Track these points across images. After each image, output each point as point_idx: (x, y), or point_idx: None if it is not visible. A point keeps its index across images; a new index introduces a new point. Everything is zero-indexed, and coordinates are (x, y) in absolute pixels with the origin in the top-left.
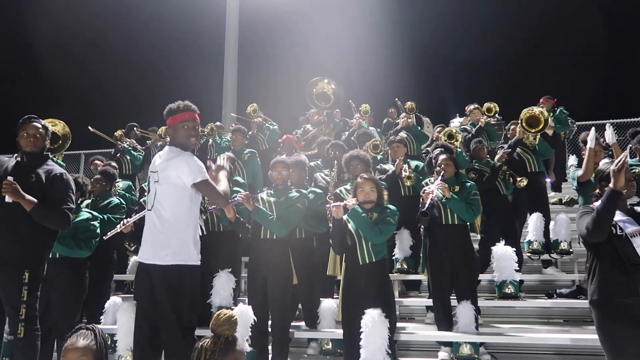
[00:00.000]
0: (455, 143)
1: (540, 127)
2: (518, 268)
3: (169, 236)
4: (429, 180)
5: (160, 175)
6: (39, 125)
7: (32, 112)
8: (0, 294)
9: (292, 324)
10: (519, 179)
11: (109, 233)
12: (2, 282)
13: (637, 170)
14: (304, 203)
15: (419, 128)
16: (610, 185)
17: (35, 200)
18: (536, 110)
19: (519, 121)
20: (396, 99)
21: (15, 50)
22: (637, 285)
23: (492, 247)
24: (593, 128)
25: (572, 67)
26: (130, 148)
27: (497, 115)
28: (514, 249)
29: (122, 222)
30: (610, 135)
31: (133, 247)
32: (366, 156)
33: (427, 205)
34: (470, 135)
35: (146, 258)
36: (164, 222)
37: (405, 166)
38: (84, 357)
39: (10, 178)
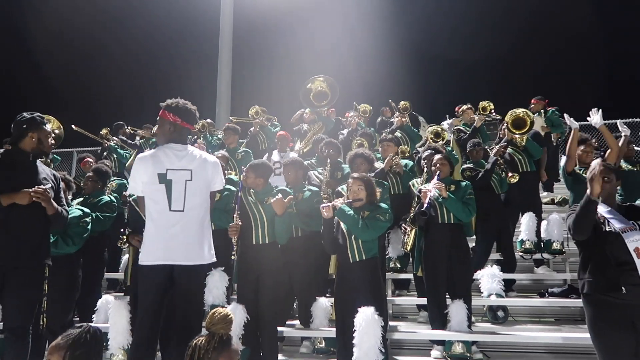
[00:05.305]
0: (440, 142)
1: (527, 128)
2: (504, 290)
3: (206, 236)
4: (417, 180)
5: (195, 173)
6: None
7: (27, 110)
8: (15, 293)
9: (286, 322)
10: (510, 174)
11: None
12: (21, 280)
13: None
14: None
15: (414, 128)
16: (587, 191)
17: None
18: (520, 111)
19: (505, 124)
20: (389, 100)
21: (13, 50)
22: (619, 280)
23: (479, 270)
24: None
25: (567, 65)
26: (117, 146)
27: (492, 112)
28: (506, 251)
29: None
30: (597, 118)
31: (127, 246)
32: (370, 155)
33: (425, 205)
34: (466, 135)
35: (179, 260)
36: (200, 222)
37: (396, 158)
38: (50, 356)
39: (42, 187)
